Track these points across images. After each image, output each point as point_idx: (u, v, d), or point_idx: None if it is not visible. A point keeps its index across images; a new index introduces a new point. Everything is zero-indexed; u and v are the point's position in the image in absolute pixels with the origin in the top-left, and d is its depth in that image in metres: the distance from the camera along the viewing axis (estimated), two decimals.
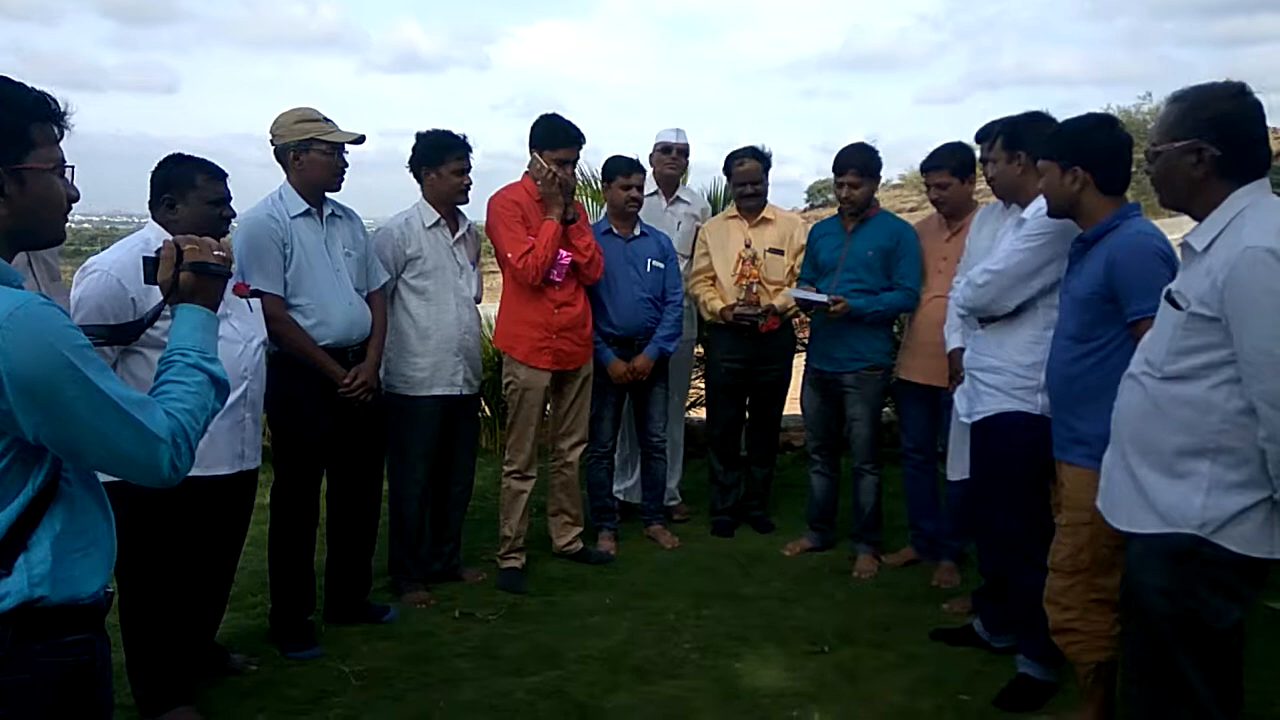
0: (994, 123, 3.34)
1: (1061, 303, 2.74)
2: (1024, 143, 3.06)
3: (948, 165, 3.83)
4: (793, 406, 4.91)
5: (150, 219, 2.92)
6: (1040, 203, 2.91)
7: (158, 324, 2.75)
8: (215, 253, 1.70)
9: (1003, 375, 3.04)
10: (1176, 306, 1.97)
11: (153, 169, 2.92)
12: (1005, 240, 3.06)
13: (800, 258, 4.48)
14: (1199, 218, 1.99)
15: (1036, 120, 3.07)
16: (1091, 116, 2.68)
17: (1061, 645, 2.73)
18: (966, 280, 3.11)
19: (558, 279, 3.97)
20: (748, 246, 4.47)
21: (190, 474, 2.83)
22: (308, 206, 3.38)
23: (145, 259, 1.72)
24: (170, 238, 1.74)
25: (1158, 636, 2.03)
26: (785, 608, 3.79)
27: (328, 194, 3.46)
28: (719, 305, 4.47)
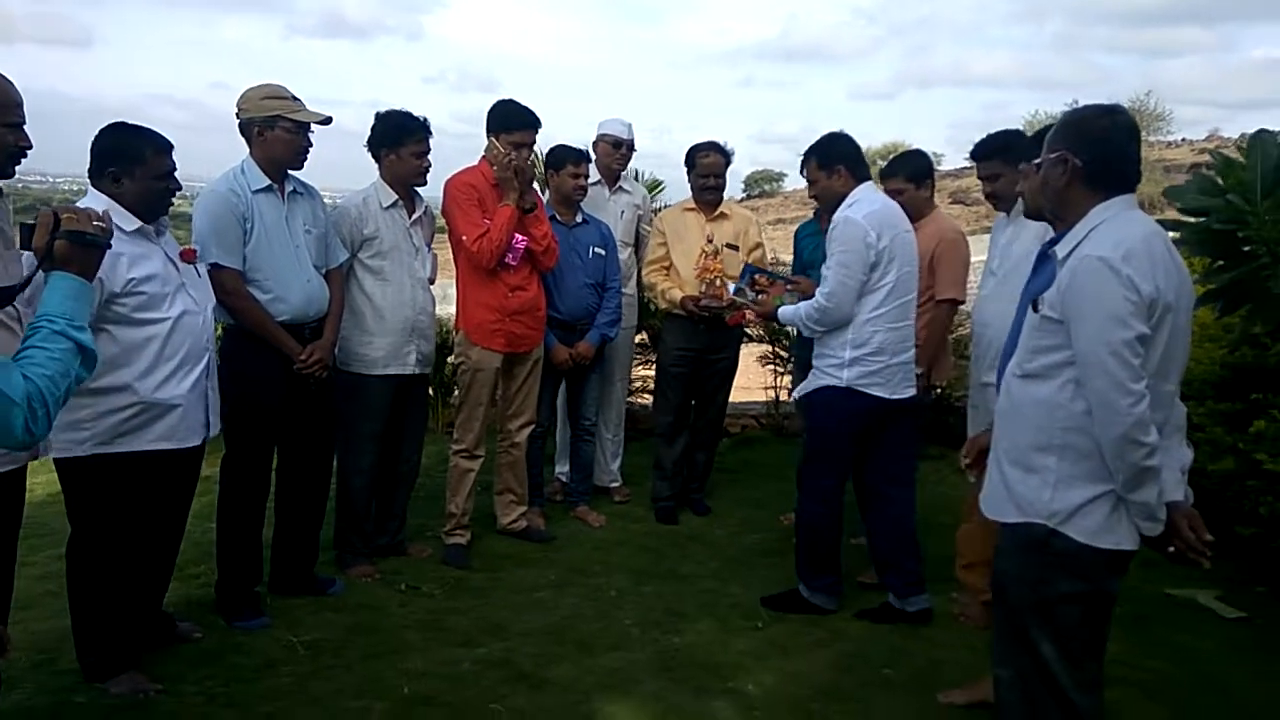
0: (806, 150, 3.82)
1: (1019, 306, 2.94)
2: (838, 158, 3.58)
3: (902, 171, 4.00)
4: (736, 394, 5.07)
5: (91, 187, 2.89)
6: (839, 212, 3.49)
7: (125, 300, 2.78)
8: (94, 223, 1.76)
9: (822, 359, 3.58)
10: (1035, 309, 2.15)
11: (95, 136, 2.87)
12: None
13: (755, 254, 4.65)
14: (1069, 226, 2.16)
15: (835, 137, 3.64)
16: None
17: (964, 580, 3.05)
18: (815, 306, 3.51)
19: (512, 262, 4.06)
20: (710, 241, 4.58)
21: (165, 447, 2.90)
22: (269, 182, 3.40)
23: (22, 225, 1.77)
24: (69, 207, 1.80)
25: (1020, 622, 2.18)
26: (721, 586, 3.96)
27: (290, 171, 3.49)
28: (678, 295, 4.57)
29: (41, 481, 4.33)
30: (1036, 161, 2.23)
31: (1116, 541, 2.08)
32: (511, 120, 4.03)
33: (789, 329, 5.18)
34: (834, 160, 3.60)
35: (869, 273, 3.43)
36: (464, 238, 3.98)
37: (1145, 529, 2.06)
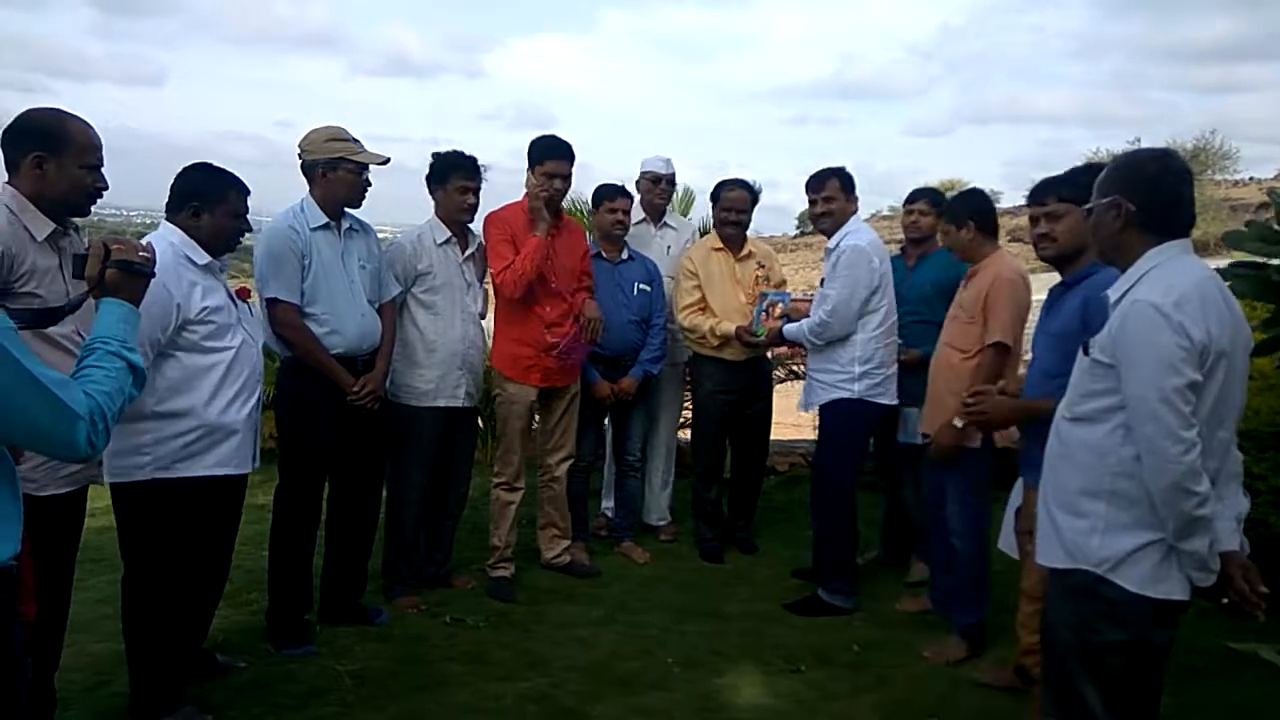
0: (826, 170, 4.14)
1: (1037, 341, 2.90)
2: (854, 187, 4.08)
3: (962, 210, 3.73)
4: (786, 431, 5.04)
5: (165, 220, 3.00)
6: (845, 240, 3.93)
7: (197, 327, 2.89)
8: (140, 254, 1.88)
9: (829, 373, 4.02)
10: (1086, 352, 2.12)
11: (180, 172, 3.00)
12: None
13: (782, 288, 4.67)
14: (1123, 270, 2.13)
15: (839, 171, 4.09)
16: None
17: (1030, 666, 2.90)
18: (818, 321, 3.98)
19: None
20: (761, 266, 4.66)
21: (221, 473, 2.97)
22: (327, 220, 3.52)
23: (75, 256, 1.89)
24: (139, 240, 1.93)
25: (1066, 669, 2.13)
26: (765, 627, 3.92)
27: (347, 209, 3.60)
28: (731, 327, 4.49)
29: (103, 507, 4.44)
30: (1088, 206, 2.21)
31: (1167, 591, 2.03)
32: (542, 152, 4.10)
33: None
34: (853, 188, 4.10)
35: (870, 295, 3.92)
36: (491, 271, 4.07)
37: (1197, 579, 2.01)
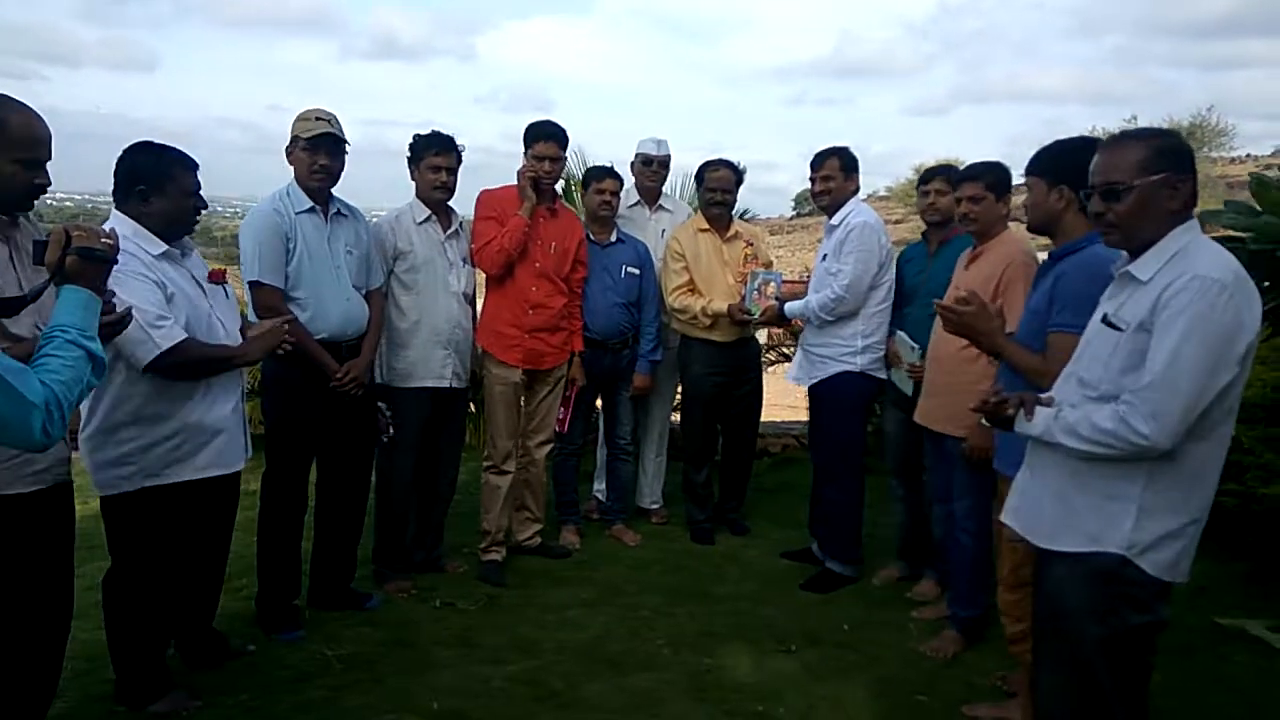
0: (828, 149, 4.22)
1: (1023, 317, 2.82)
2: (856, 167, 4.17)
3: (984, 179, 3.45)
4: (782, 413, 5.03)
5: (115, 210, 2.80)
6: (852, 217, 4.04)
7: (163, 321, 2.81)
8: (102, 240, 1.86)
9: (831, 348, 4.12)
10: (1116, 329, 2.03)
11: (120, 157, 2.79)
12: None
13: (769, 268, 4.64)
14: (1141, 251, 2.05)
15: (840, 150, 4.18)
16: (1082, 139, 2.69)
17: (1016, 654, 2.90)
18: (832, 297, 4.04)
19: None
20: (750, 244, 4.63)
21: (212, 474, 2.89)
22: (312, 204, 3.48)
23: (35, 242, 1.87)
24: (103, 228, 1.90)
25: (1079, 655, 2.07)
26: (755, 608, 3.93)
27: (331, 191, 3.55)
28: (723, 305, 4.47)
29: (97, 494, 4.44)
30: (1129, 184, 2.05)
31: (1184, 574, 2.02)
32: (532, 135, 4.15)
33: None
34: (854, 167, 4.17)
35: (878, 270, 4.03)
36: (472, 247, 4.09)
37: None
